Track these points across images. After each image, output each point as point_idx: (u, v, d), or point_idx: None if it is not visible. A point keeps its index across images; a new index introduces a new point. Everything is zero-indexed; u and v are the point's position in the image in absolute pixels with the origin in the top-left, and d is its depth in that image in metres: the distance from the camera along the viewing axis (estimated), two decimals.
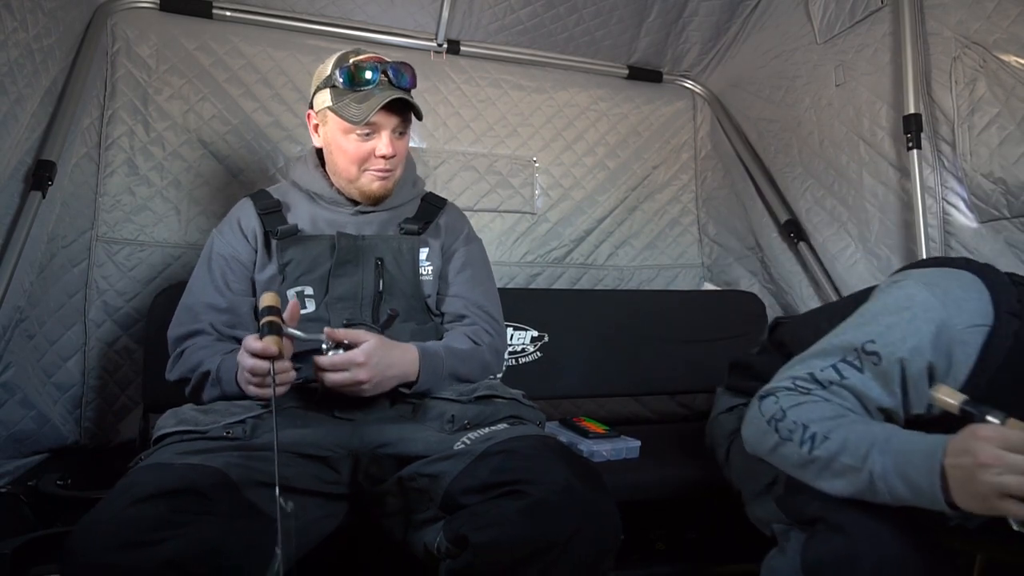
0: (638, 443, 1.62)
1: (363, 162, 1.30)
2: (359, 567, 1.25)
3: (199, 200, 1.89)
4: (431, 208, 1.46)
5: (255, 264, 1.33)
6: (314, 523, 1.06)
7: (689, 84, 2.52)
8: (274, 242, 1.31)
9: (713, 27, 2.28)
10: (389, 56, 1.33)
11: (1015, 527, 0.82)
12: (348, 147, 1.29)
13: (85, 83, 1.70)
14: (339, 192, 1.37)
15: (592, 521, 0.94)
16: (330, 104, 1.29)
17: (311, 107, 1.36)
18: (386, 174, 1.33)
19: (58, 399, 1.69)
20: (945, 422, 0.89)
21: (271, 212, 1.36)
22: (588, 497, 0.96)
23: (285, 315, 1.09)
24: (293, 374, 1.09)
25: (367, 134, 1.28)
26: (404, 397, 1.23)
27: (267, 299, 1.09)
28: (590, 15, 2.17)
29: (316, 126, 1.37)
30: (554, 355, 1.93)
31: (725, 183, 2.43)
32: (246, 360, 1.07)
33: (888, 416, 1.00)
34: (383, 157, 1.30)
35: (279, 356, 1.03)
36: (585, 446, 1.59)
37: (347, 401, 1.18)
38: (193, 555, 0.83)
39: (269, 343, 1.02)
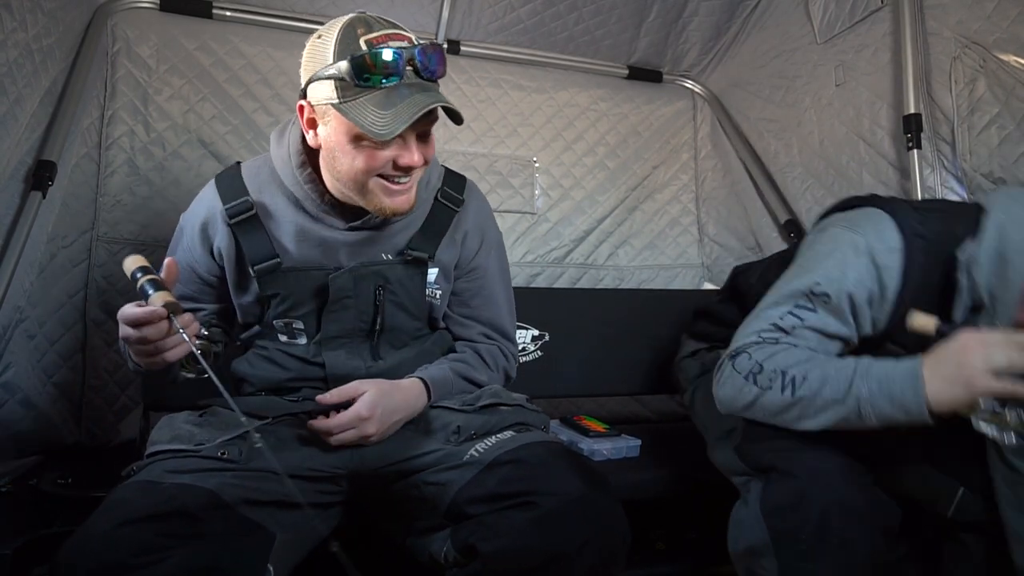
0: (638, 442, 1.62)
1: (376, 172, 1.04)
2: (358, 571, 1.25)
3: None
4: (446, 211, 1.22)
5: (218, 279, 1.19)
6: (310, 531, 1.04)
7: (689, 84, 2.52)
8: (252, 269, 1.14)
9: (713, 27, 2.28)
10: (392, 44, 1.01)
11: (988, 431, 0.90)
12: (358, 156, 1.02)
13: (85, 83, 1.70)
14: (332, 204, 1.13)
15: (601, 530, 0.94)
16: (336, 101, 1.00)
17: (303, 96, 1.05)
18: (406, 189, 1.07)
19: (58, 399, 1.69)
20: (891, 338, 1.08)
21: (244, 218, 1.12)
22: (597, 506, 0.95)
23: (162, 274, 0.96)
24: (197, 325, 0.97)
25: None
26: None
27: (135, 261, 0.95)
28: (590, 14, 2.17)
29: (312, 120, 1.06)
30: (555, 354, 1.93)
31: (725, 183, 2.43)
32: (128, 332, 0.91)
33: (845, 342, 1.11)
34: (406, 168, 1.05)
35: (177, 310, 0.90)
36: (585, 444, 1.59)
37: None
38: None
39: (157, 301, 0.89)
